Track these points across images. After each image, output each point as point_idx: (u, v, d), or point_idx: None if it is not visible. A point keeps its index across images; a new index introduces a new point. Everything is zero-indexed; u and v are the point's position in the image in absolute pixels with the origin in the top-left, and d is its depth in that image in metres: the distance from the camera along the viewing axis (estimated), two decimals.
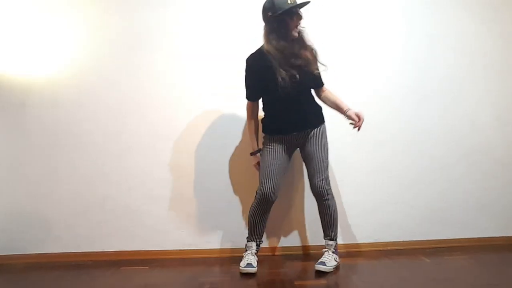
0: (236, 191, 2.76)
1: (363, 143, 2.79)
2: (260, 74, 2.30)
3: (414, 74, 2.83)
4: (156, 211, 2.71)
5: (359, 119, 2.33)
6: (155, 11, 2.71)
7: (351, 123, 2.36)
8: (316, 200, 2.43)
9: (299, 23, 2.25)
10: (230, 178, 2.75)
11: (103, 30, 2.70)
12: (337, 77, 2.61)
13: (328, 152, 2.42)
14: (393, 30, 2.82)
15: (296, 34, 2.25)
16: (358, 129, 2.35)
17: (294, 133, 2.38)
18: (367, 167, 2.80)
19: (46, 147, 2.69)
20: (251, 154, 2.52)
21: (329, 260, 2.36)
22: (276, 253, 2.75)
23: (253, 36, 2.36)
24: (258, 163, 2.47)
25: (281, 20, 2.20)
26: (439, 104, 2.84)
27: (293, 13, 2.20)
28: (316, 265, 2.34)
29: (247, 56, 2.37)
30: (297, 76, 2.21)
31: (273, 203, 2.41)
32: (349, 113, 2.35)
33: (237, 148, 2.75)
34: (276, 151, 2.39)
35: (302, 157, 2.48)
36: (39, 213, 2.68)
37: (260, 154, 2.47)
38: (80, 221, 2.69)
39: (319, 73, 2.39)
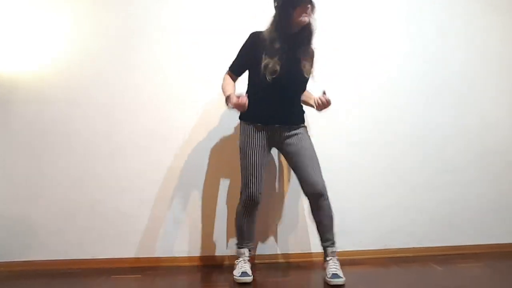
0: (234, 194, 2.62)
1: (369, 144, 2.75)
2: (254, 52, 2.23)
3: (423, 70, 2.81)
4: (150, 216, 2.64)
5: (327, 101, 2.16)
6: (150, 6, 2.67)
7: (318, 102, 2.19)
8: (312, 202, 2.25)
9: (308, 11, 2.12)
10: (228, 181, 2.68)
11: (94, 24, 2.66)
12: (342, 74, 2.62)
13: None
14: (401, 24, 2.80)
15: (305, 20, 2.13)
16: (320, 110, 2.21)
17: (277, 125, 2.24)
18: (374, 170, 2.76)
19: (32, 147, 2.62)
20: (226, 99, 2.18)
21: (340, 270, 2.20)
22: (277, 260, 2.68)
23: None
24: (238, 97, 2.12)
25: (284, 10, 2.15)
26: (449, 103, 2.82)
27: (296, 2, 2.11)
28: (330, 280, 2.17)
29: None
30: (278, 69, 2.14)
31: (259, 203, 2.27)
32: (317, 99, 2.19)
33: (235, 150, 2.62)
34: (258, 145, 2.24)
35: (288, 159, 2.31)
36: (24, 217, 2.61)
37: (239, 143, 2.30)
38: (69, 226, 2.62)
39: (307, 77, 2.27)
